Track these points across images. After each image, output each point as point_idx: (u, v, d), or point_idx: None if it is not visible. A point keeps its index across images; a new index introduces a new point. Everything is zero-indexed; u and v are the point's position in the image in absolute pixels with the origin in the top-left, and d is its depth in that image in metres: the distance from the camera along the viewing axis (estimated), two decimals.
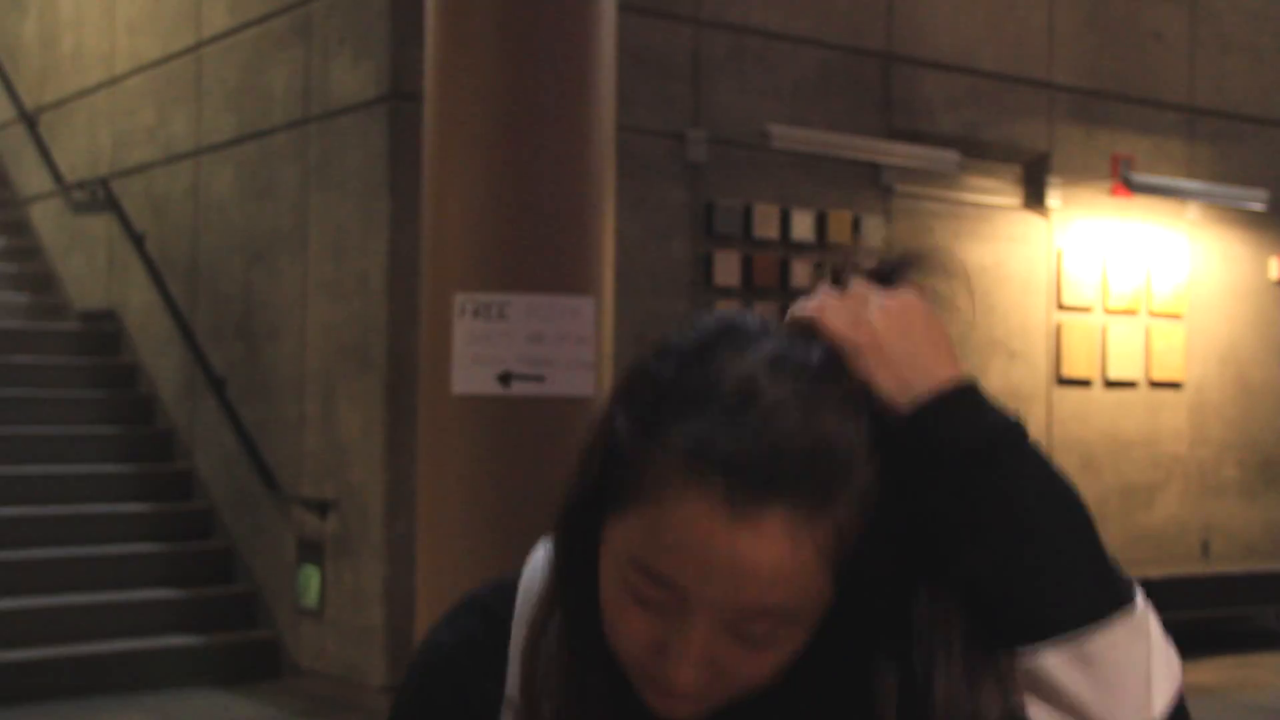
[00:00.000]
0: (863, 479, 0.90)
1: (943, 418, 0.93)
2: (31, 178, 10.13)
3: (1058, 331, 8.92)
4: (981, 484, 0.92)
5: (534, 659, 1.01)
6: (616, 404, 0.95)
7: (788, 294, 7.70)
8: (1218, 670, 8.20)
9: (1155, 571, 8.71)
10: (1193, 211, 9.48)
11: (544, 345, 3.99)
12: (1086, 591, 0.94)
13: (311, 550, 7.24)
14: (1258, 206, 9.53)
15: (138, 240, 8.64)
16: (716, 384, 0.90)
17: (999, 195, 8.82)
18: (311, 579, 7.22)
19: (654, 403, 0.92)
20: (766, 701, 0.97)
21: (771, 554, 0.88)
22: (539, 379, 3.98)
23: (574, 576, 0.99)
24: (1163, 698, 0.98)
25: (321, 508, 7.15)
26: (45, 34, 10.24)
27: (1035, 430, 1.13)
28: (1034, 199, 8.91)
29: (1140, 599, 0.97)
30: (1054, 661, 0.93)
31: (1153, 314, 9.33)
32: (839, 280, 0.99)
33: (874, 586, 0.93)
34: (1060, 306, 8.95)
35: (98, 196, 9.13)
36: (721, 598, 0.89)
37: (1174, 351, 9.40)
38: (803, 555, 0.88)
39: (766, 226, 7.81)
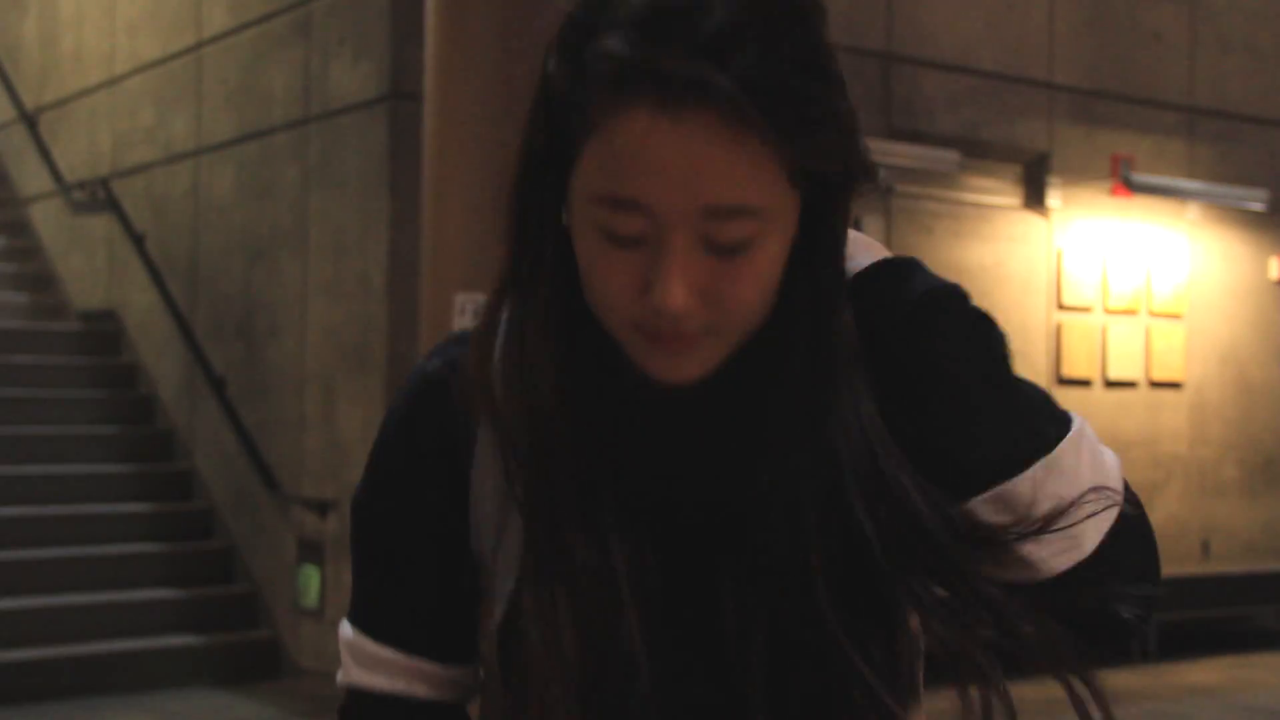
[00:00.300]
0: (795, 79, 0.92)
1: (885, 276, 1.01)
2: (31, 178, 10.14)
3: (1058, 331, 8.92)
4: (912, 346, 0.99)
5: (486, 345, 1.04)
6: (549, 57, 0.98)
7: None
8: (1218, 670, 8.19)
9: None
10: (1193, 211, 9.48)
11: None
12: (1002, 446, 1.00)
13: (311, 550, 7.24)
14: (1258, 206, 9.53)
15: (138, 240, 8.64)
16: (632, 4, 0.93)
17: (999, 195, 8.82)
18: (311, 579, 7.22)
19: (578, 39, 0.95)
20: (756, 377, 1.01)
21: (716, 148, 0.90)
22: None
23: (527, 254, 1.01)
24: (1094, 536, 1.02)
25: (321, 508, 7.15)
26: (45, 34, 10.24)
27: None
28: (1034, 199, 8.91)
29: (1071, 433, 1.02)
30: (982, 510, 0.99)
31: (1153, 314, 9.33)
32: None
33: (836, 193, 0.97)
34: (1060, 306, 8.95)
35: (98, 196, 9.13)
36: (685, 203, 0.92)
37: (1174, 351, 9.40)
38: (748, 148, 0.91)
39: None
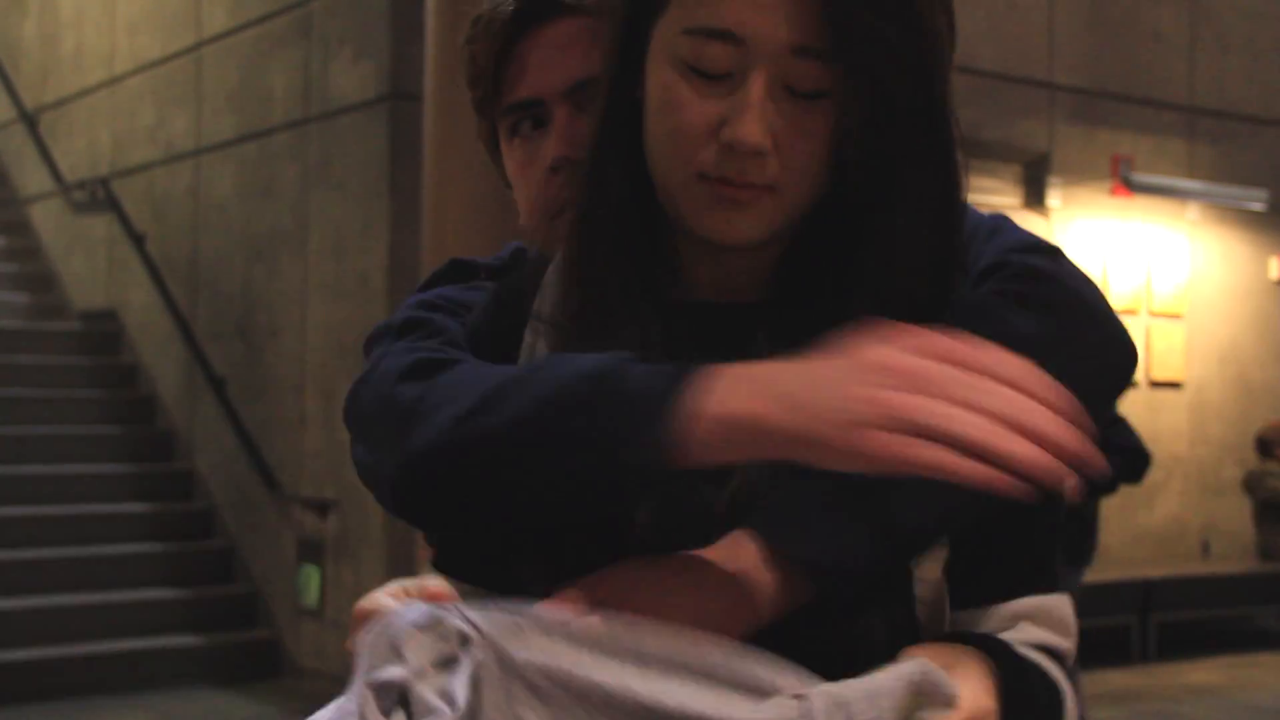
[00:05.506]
0: None
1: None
2: (31, 178, 10.13)
3: None
4: None
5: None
6: None
7: None
8: (1218, 670, 8.20)
9: (1155, 571, 8.70)
10: (1193, 211, 9.48)
11: None
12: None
13: (311, 550, 7.24)
14: (1258, 206, 9.53)
15: (138, 240, 8.64)
16: None
17: (999, 195, 8.82)
18: (311, 579, 7.22)
19: None
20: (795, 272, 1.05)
21: None
22: None
23: (604, 142, 1.05)
24: None
25: (321, 508, 7.15)
26: (45, 34, 10.24)
27: None
28: (1034, 199, 8.90)
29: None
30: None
31: (1153, 314, 9.33)
32: None
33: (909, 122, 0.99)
34: None
35: (98, 196, 9.13)
36: (777, 37, 0.96)
37: (1174, 351, 9.40)
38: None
39: None
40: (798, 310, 1.04)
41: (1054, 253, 1.12)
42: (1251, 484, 9.55)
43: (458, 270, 1.33)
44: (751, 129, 0.97)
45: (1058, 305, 1.06)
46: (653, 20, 1.02)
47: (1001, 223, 1.17)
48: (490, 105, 1.36)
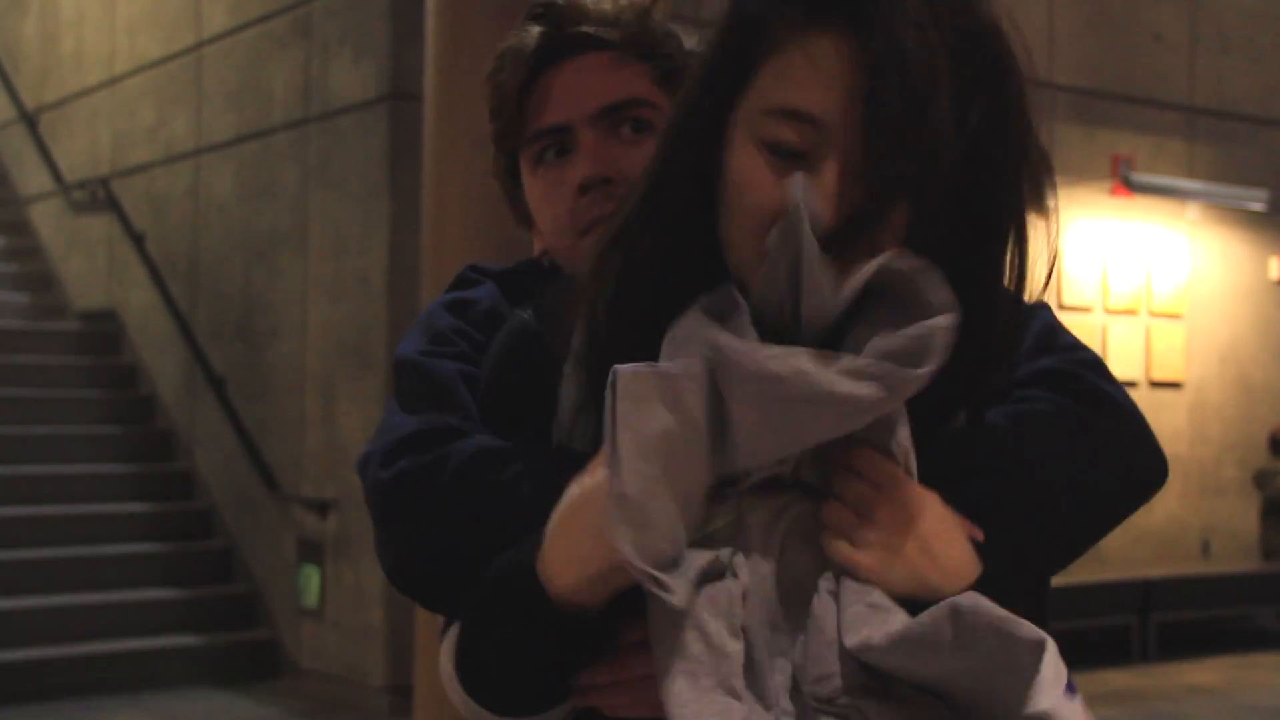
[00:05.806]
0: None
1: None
2: (31, 178, 10.14)
3: None
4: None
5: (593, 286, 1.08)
6: None
7: None
8: (1218, 670, 8.19)
9: (1155, 571, 8.70)
10: (1193, 211, 9.48)
11: None
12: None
13: (311, 550, 7.24)
14: (1258, 206, 9.53)
15: (138, 240, 8.65)
16: None
17: None
18: (311, 579, 7.22)
19: None
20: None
21: None
22: None
23: (666, 188, 1.06)
24: None
25: (321, 508, 7.15)
26: (45, 34, 10.24)
27: None
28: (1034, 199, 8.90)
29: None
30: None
31: (1153, 314, 9.33)
32: None
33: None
34: (1060, 306, 8.95)
35: (98, 196, 9.14)
36: (853, 121, 0.96)
37: (1174, 351, 9.40)
38: None
39: None
40: None
41: (1104, 368, 1.19)
42: (1261, 481, 9.56)
43: (474, 276, 1.37)
44: (823, 214, 0.96)
45: (1114, 430, 1.14)
46: (737, 97, 1.02)
47: (1051, 319, 1.21)
48: (511, 136, 1.38)
